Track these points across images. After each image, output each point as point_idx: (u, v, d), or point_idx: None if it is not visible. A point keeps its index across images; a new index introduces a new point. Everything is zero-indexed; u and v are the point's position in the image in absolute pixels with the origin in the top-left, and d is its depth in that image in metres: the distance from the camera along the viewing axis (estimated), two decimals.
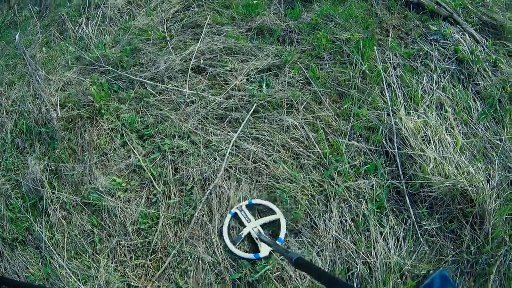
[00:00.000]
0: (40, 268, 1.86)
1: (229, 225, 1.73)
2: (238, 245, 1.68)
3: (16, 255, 1.94)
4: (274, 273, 1.63)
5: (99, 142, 2.01)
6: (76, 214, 1.92)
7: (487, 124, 1.95)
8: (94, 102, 2.10)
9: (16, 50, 2.96)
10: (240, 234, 1.68)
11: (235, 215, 1.75)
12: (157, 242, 1.75)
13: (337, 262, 1.64)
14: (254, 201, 1.75)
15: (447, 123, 1.92)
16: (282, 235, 1.65)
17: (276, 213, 1.71)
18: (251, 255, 1.62)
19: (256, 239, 1.66)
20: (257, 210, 1.78)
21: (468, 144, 1.87)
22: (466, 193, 1.68)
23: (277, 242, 1.62)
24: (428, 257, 1.65)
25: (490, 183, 1.73)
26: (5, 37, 3.31)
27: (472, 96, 2.04)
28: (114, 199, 1.87)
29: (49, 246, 1.88)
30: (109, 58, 2.26)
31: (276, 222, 1.71)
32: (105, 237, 1.83)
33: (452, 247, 1.66)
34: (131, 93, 2.11)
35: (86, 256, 1.81)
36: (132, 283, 1.71)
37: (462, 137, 1.88)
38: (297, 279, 1.61)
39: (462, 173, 1.73)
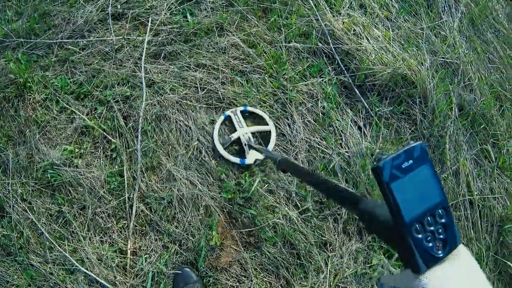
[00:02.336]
0: (21, 275, 1.64)
1: (220, 127, 1.67)
2: (226, 148, 1.63)
3: None
4: (262, 187, 1.59)
5: (36, 116, 1.76)
6: (37, 200, 1.70)
7: (406, 17, 2.03)
8: (17, 79, 1.82)
9: None
10: (230, 136, 1.63)
11: (228, 118, 1.68)
12: (132, 197, 1.61)
13: (315, 160, 1.64)
14: (249, 108, 1.69)
15: (371, 20, 1.95)
16: (270, 147, 1.62)
17: (268, 125, 1.66)
18: (237, 159, 1.58)
19: (245, 145, 1.61)
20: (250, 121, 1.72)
21: (395, 36, 1.92)
22: (406, 77, 1.77)
23: (267, 149, 1.60)
24: (390, 138, 1.72)
25: (424, 65, 1.82)
26: None
27: None
28: (73, 168, 1.67)
29: (21, 247, 1.66)
30: (18, 31, 1.95)
31: (267, 134, 1.68)
32: (78, 211, 1.64)
33: (408, 126, 1.77)
34: (52, 58, 1.85)
35: (65, 240, 1.62)
36: (124, 248, 1.57)
37: (387, 30, 1.93)
38: (284, 182, 1.59)
39: (398, 60, 1.80)
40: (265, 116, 1.67)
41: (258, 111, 1.68)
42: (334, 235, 1.54)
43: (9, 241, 1.67)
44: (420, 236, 0.42)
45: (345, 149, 1.66)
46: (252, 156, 1.58)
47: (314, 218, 1.54)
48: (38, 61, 1.88)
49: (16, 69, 1.84)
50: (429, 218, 0.43)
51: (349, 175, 1.61)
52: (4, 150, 1.79)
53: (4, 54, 1.95)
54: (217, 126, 1.65)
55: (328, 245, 1.52)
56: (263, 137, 1.69)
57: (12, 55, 1.93)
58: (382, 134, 1.71)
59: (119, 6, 1.88)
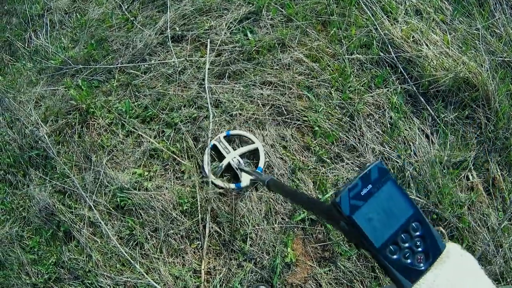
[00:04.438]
0: None
1: (208, 157, 1.56)
2: (220, 176, 1.55)
3: None
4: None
5: (101, 141, 1.69)
6: (106, 223, 1.62)
7: (460, 19, 1.91)
8: (79, 105, 1.76)
9: None
10: (220, 165, 1.53)
11: (214, 147, 1.58)
12: (205, 218, 1.52)
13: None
14: (232, 132, 1.59)
15: (428, 25, 1.85)
16: (261, 164, 1.52)
17: (254, 143, 1.56)
18: (232, 185, 1.49)
19: (236, 169, 1.52)
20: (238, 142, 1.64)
21: (452, 39, 1.82)
22: (467, 80, 1.66)
23: (257, 171, 1.47)
24: (457, 144, 1.60)
25: (483, 67, 1.70)
26: None
27: None
28: (143, 191, 1.59)
29: (89, 270, 1.57)
30: (76, 58, 1.90)
31: (256, 152, 1.57)
32: (149, 234, 1.55)
33: (473, 131, 1.64)
34: (113, 82, 1.78)
35: (136, 262, 1.53)
36: (197, 268, 1.48)
37: (445, 34, 1.83)
38: None
39: (459, 63, 1.69)
40: (249, 135, 1.58)
41: (241, 132, 1.59)
42: None
43: (77, 264, 1.60)
44: (395, 256, 0.40)
45: (415, 158, 1.55)
46: (246, 178, 1.50)
47: None
48: (100, 87, 1.82)
49: (77, 95, 1.79)
50: (403, 235, 0.41)
51: (420, 185, 1.50)
52: (70, 176, 1.72)
53: (63, 81, 1.90)
54: (206, 158, 1.55)
55: None
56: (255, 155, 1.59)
57: (72, 81, 1.88)
58: (450, 141, 1.60)
59: (177, 28, 1.82)
